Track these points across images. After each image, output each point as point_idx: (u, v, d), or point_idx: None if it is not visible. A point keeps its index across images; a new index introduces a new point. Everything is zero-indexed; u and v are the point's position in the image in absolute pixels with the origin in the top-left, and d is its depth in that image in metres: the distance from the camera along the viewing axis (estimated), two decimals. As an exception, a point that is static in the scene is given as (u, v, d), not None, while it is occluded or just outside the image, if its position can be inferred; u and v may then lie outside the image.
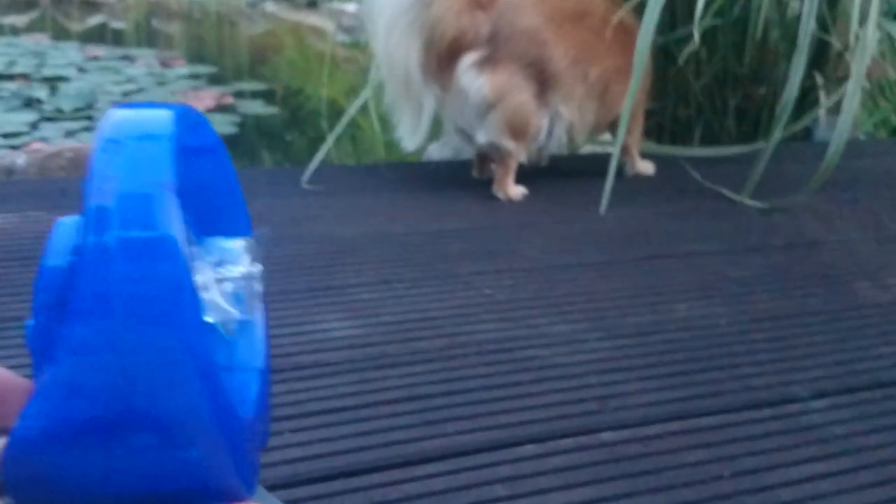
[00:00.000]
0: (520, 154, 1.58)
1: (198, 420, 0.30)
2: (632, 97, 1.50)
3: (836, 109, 1.94)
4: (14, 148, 2.84)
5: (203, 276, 0.34)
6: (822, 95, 1.93)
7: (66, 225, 0.34)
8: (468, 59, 1.51)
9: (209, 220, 0.38)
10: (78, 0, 7.08)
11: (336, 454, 0.81)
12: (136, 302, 0.28)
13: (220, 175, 0.39)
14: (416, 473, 0.79)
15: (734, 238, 1.43)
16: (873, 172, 1.87)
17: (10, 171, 2.03)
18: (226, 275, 0.35)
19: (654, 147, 1.93)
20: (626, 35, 1.57)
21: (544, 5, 1.57)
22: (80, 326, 0.29)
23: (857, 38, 1.56)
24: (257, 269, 0.36)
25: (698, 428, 0.88)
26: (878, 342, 1.06)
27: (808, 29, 1.62)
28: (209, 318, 0.34)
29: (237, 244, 0.36)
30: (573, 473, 0.80)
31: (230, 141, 3.22)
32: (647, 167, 1.77)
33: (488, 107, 1.53)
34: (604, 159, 1.59)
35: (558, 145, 1.65)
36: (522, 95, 1.53)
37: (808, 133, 2.13)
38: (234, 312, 0.35)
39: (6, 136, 3.06)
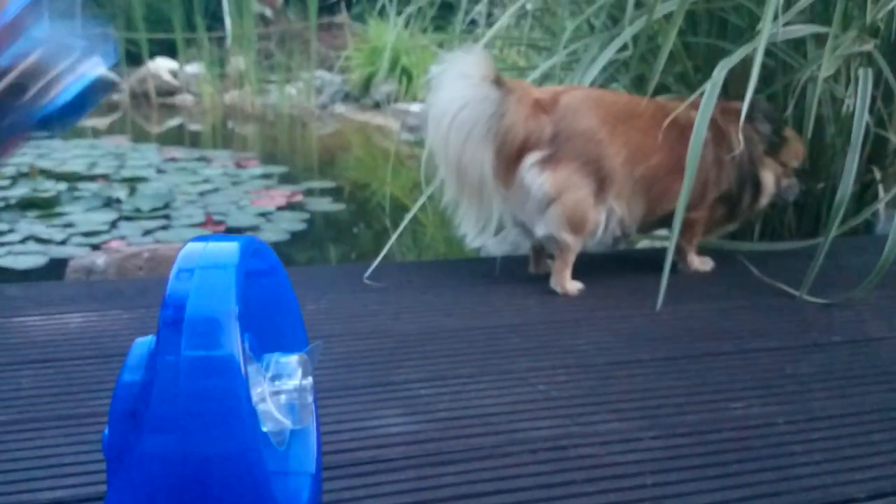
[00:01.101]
0: (577, 247, 1.64)
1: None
2: (686, 195, 1.53)
3: (895, 204, 1.94)
4: (94, 247, 2.98)
5: (260, 389, 0.38)
6: (880, 189, 1.93)
7: (142, 343, 0.39)
8: (531, 157, 1.60)
9: (269, 336, 0.42)
10: (157, 103, 7.43)
11: (391, 551, 0.83)
12: (199, 415, 0.32)
13: (280, 294, 0.44)
14: (468, 572, 0.80)
15: (792, 335, 1.43)
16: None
17: (90, 270, 2.13)
18: (281, 388, 0.39)
19: (712, 242, 1.94)
20: (678, 134, 1.62)
21: (599, 108, 1.64)
22: (149, 437, 0.33)
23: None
24: (309, 382, 0.40)
25: (753, 529, 0.88)
26: (940, 442, 1.05)
27: (861, 124, 1.64)
28: (265, 428, 0.38)
29: (292, 360, 0.40)
30: (626, 574, 0.81)
31: (299, 237, 3.33)
32: (704, 264, 1.78)
33: (549, 201, 1.61)
34: (660, 254, 1.61)
35: (613, 238, 1.71)
36: (581, 192, 1.60)
37: (868, 227, 2.12)
38: (288, 422, 0.39)
39: (86, 234, 3.21)
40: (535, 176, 1.59)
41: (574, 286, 1.65)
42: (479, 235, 1.68)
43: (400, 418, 1.10)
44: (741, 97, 1.60)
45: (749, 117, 1.65)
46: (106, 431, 0.35)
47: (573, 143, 1.60)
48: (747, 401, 1.16)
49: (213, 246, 0.36)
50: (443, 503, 0.91)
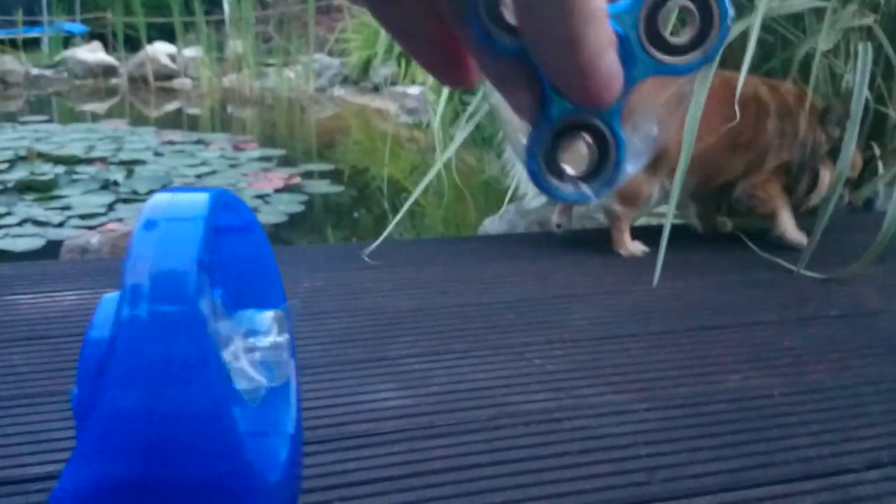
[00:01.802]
0: (629, 216, 1.72)
1: (222, 484, 0.33)
2: (685, 157, 1.53)
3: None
4: (91, 228, 2.98)
5: (233, 345, 0.37)
6: (880, 166, 1.92)
7: (110, 300, 0.38)
8: None
9: (244, 293, 0.41)
10: (155, 87, 7.41)
11: (383, 523, 0.83)
12: (164, 372, 0.31)
13: (255, 251, 0.43)
14: (459, 542, 0.80)
15: (790, 309, 1.42)
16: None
17: (84, 249, 2.13)
18: (255, 345, 0.38)
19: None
20: (741, 110, 1.62)
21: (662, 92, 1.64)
22: (113, 394, 0.32)
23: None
24: (285, 338, 0.39)
25: (748, 499, 0.87)
26: (937, 413, 1.04)
27: (860, 100, 1.62)
28: (238, 386, 0.37)
29: (267, 316, 0.39)
30: (619, 545, 0.80)
31: (297, 219, 3.32)
32: (797, 235, 1.76)
33: None
34: (659, 230, 1.60)
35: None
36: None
37: (868, 203, 2.11)
38: (263, 380, 0.38)
39: (84, 216, 3.21)
40: None
41: (637, 247, 1.72)
42: (538, 196, 1.77)
43: (393, 392, 1.10)
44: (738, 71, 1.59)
45: (822, 120, 1.70)
46: (75, 390, 0.34)
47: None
48: (743, 373, 1.16)
49: (181, 197, 0.35)
50: (435, 475, 0.91)
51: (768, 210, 1.76)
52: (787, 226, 1.75)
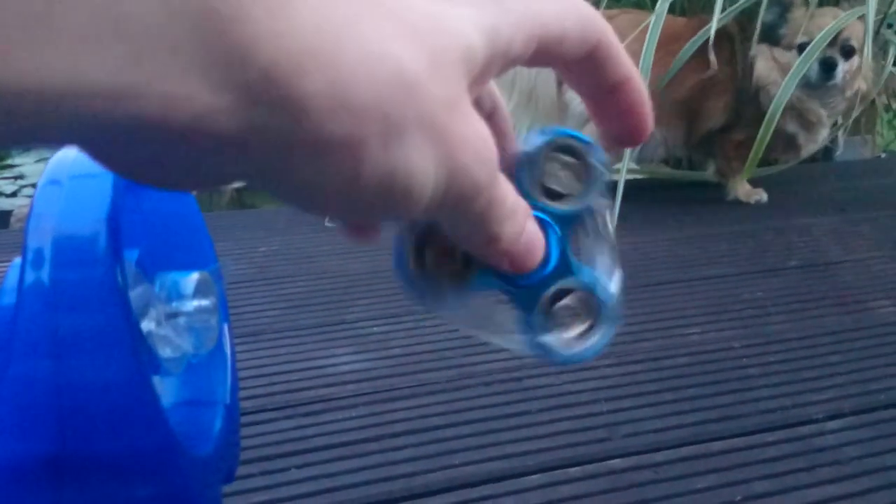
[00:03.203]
0: (612, 164, 1.67)
1: (145, 458, 0.30)
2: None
3: (854, 130, 1.92)
4: (44, 197, 2.90)
5: (154, 311, 0.35)
6: (839, 117, 1.91)
7: (18, 265, 0.35)
8: None
9: (168, 255, 0.39)
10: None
11: (341, 489, 0.81)
12: (71, 341, 0.29)
13: (180, 211, 0.40)
14: (419, 505, 0.78)
15: (750, 261, 1.42)
16: (893, 191, 1.84)
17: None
18: (179, 309, 0.35)
19: (670, 172, 1.92)
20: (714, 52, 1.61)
21: (643, 33, 1.61)
22: (18, 365, 0.29)
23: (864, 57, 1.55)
24: (212, 302, 0.36)
25: (709, 453, 0.87)
26: (895, 361, 1.04)
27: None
28: (162, 354, 0.35)
29: (191, 279, 0.36)
30: (581, 503, 0.79)
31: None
32: (751, 195, 1.76)
33: (587, 119, 1.60)
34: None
35: (656, 158, 1.77)
36: None
37: (827, 154, 2.11)
38: (189, 347, 0.36)
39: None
40: (574, 94, 1.62)
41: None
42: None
43: (352, 356, 1.08)
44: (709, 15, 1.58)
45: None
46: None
47: None
48: (703, 326, 1.15)
49: (87, 153, 0.32)
50: (395, 438, 0.89)
51: (727, 170, 1.76)
52: (739, 191, 1.75)
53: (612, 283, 0.31)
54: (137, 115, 0.18)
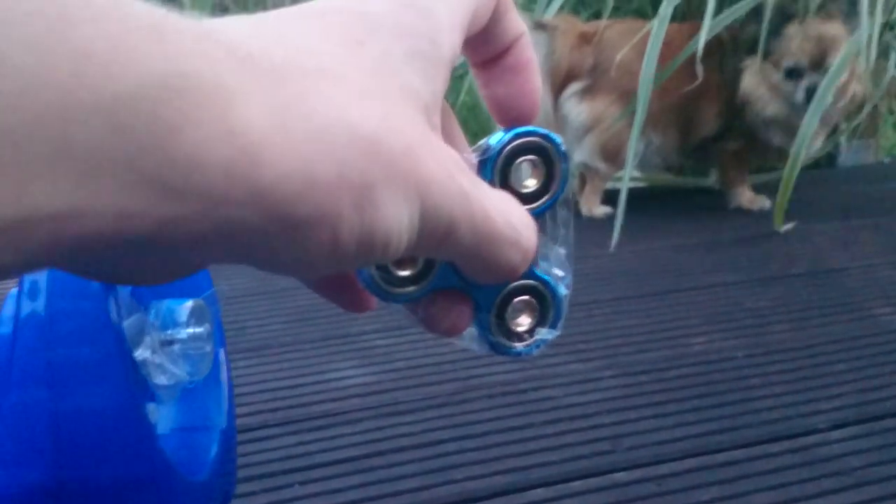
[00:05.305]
0: (609, 175, 1.72)
1: (141, 485, 0.31)
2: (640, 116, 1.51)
3: (857, 135, 1.92)
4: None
5: (148, 339, 0.35)
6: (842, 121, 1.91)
7: (15, 295, 0.35)
8: (572, 87, 1.67)
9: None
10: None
11: (345, 505, 0.81)
12: (65, 369, 0.29)
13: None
14: (423, 521, 0.78)
15: (753, 268, 1.42)
16: (897, 196, 1.84)
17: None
18: (173, 337, 0.36)
19: (671, 180, 1.92)
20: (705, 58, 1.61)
21: (638, 40, 1.62)
22: (14, 393, 0.29)
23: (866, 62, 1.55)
24: (206, 329, 0.37)
25: (713, 464, 0.87)
26: (900, 369, 1.04)
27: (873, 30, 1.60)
28: (157, 381, 0.35)
29: (186, 306, 0.37)
30: (585, 516, 0.79)
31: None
32: (754, 202, 1.76)
33: (585, 131, 1.67)
34: (617, 194, 1.59)
35: (655, 165, 1.80)
36: (616, 123, 1.66)
37: (830, 159, 2.10)
38: (184, 374, 0.36)
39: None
40: (573, 105, 1.67)
41: (601, 210, 1.71)
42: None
43: (356, 370, 1.08)
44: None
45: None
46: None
47: (611, 76, 1.63)
48: (707, 336, 1.15)
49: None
50: (398, 453, 0.89)
51: (727, 178, 1.76)
52: (742, 198, 1.75)
53: (562, 284, 0.33)
54: (95, 231, 0.18)
